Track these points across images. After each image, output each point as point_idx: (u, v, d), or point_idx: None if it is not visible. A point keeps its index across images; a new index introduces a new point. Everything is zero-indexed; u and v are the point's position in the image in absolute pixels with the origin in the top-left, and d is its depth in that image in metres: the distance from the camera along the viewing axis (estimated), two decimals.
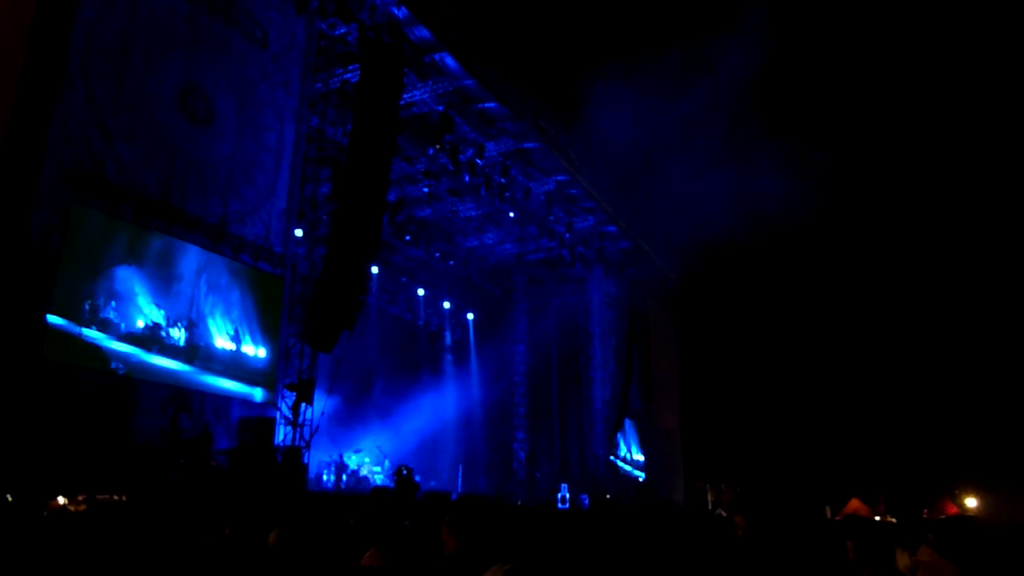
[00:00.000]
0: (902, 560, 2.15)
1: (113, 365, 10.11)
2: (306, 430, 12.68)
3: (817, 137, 20.15)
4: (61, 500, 7.93)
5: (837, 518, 15.48)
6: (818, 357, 25.54)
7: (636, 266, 24.55)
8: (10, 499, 7.48)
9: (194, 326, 11.34)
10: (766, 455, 24.58)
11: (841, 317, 25.40)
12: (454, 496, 15.08)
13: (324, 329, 12.65)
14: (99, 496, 8.29)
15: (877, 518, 16.36)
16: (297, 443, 12.46)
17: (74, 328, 9.63)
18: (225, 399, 12.07)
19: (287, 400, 12.75)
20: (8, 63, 9.24)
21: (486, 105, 16.61)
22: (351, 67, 14.73)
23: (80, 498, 8.04)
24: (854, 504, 17.63)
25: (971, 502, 21.31)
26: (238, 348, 12.05)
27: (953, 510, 19.87)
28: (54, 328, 9.41)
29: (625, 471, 23.77)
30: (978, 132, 22.25)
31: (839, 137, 20.23)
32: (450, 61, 15.08)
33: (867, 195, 23.20)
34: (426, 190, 19.24)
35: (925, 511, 18.79)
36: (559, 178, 19.67)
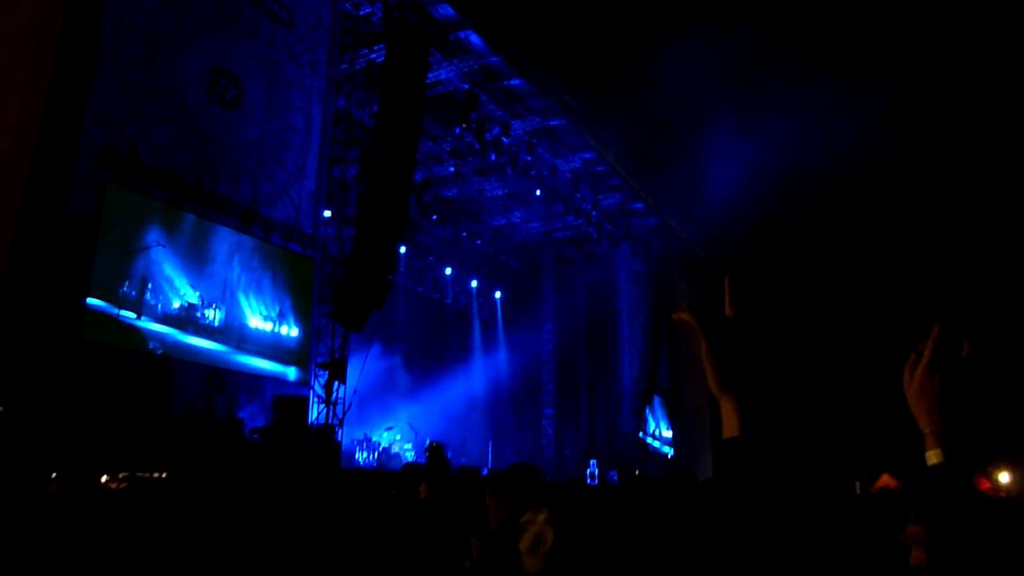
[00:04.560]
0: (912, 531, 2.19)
1: (151, 345, 10.32)
2: (339, 408, 12.86)
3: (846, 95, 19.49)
4: (103, 478, 8.12)
5: (870, 491, 15.39)
6: (845, 332, 25.26)
7: (663, 243, 24.44)
8: (54, 476, 7.69)
9: (228, 307, 11.51)
10: (794, 430, 24.39)
11: (868, 288, 25.05)
12: (484, 472, 15.22)
13: (354, 308, 12.79)
14: (139, 474, 8.49)
15: None
16: (330, 421, 12.66)
17: (112, 310, 9.82)
18: (259, 378, 12.27)
19: (320, 379, 12.94)
20: (43, 46, 9.38)
21: (512, 82, 16.55)
22: (376, 47, 14.74)
23: (121, 476, 8.24)
24: (885, 479, 17.48)
25: (1004, 477, 21.04)
26: (271, 328, 12.23)
27: (986, 486, 19.65)
28: (93, 310, 9.61)
29: (654, 447, 23.82)
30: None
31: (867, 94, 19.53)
32: (475, 39, 15.04)
33: (899, 160, 22.60)
34: (452, 169, 19.29)
35: None
36: (585, 155, 19.59)
